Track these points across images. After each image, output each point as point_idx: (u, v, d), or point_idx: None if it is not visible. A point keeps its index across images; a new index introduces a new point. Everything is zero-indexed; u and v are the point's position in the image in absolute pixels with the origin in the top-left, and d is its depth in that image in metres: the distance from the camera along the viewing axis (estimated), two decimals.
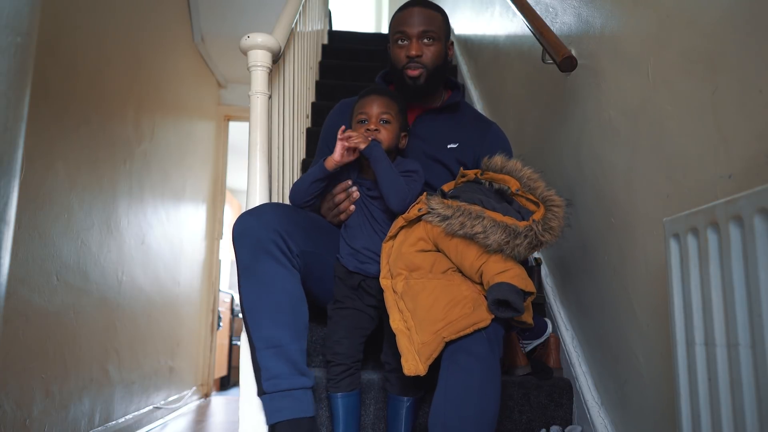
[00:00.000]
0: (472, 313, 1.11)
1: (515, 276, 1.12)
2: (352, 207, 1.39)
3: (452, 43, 1.60)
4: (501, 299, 1.09)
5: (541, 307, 1.77)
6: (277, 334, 1.22)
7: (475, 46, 3.15)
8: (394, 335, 1.16)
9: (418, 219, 1.24)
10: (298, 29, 2.08)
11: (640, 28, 1.30)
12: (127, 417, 2.76)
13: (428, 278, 1.18)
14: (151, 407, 3.11)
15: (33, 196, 1.95)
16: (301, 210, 1.38)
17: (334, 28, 4.44)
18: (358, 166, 1.42)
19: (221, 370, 5.03)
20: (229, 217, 5.54)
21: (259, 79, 1.49)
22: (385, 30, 5.82)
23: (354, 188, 1.40)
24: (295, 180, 1.44)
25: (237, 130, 4.80)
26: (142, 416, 2.97)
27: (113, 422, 2.60)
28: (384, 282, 1.23)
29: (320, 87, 3.03)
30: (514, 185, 1.26)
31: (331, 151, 1.36)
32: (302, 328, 1.26)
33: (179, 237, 3.64)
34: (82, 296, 2.31)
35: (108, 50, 2.54)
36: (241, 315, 1.30)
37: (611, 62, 1.43)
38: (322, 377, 1.39)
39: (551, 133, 1.83)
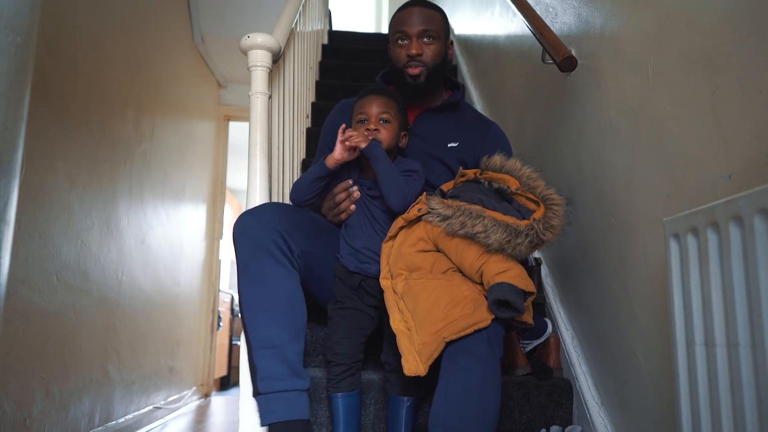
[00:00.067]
0: (473, 313, 1.11)
1: (515, 276, 1.12)
2: (353, 207, 1.39)
3: (452, 43, 1.61)
4: (501, 299, 1.09)
5: (541, 307, 1.77)
6: (274, 334, 1.21)
7: (475, 46, 3.15)
8: (394, 335, 1.15)
9: (418, 219, 1.24)
10: (298, 29, 2.08)
11: (640, 28, 1.30)
12: (127, 417, 2.76)
13: (428, 278, 1.18)
14: (151, 407, 3.11)
15: (33, 196, 1.95)
16: (301, 210, 1.38)
17: (334, 28, 4.44)
18: (359, 165, 1.42)
19: (221, 370, 5.03)
20: (229, 217, 5.54)
21: (259, 79, 1.49)
22: (385, 30, 5.82)
23: (355, 188, 1.39)
24: (295, 180, 1.44)
25: (237, 130, 4.80)
26: (142, 416, 2.97)
27: (113, 422, 2.60)
28: (384, 282, 1.22)
29: (320, 87, 3.03)
30: (513, 184, 1.26)
31: (331, 150, 1.36)
32: (300, 329, 1.25)
33: (179, 237, 3.64)
34: (82, 296, 2.31)
35: (108, 50, 2.54)
36: (240, 315, 1.29)
37: (611, 62, 1.43)
38: (322, 377, 1.39)
39: (551, 133, 1.83)
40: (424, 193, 1.28)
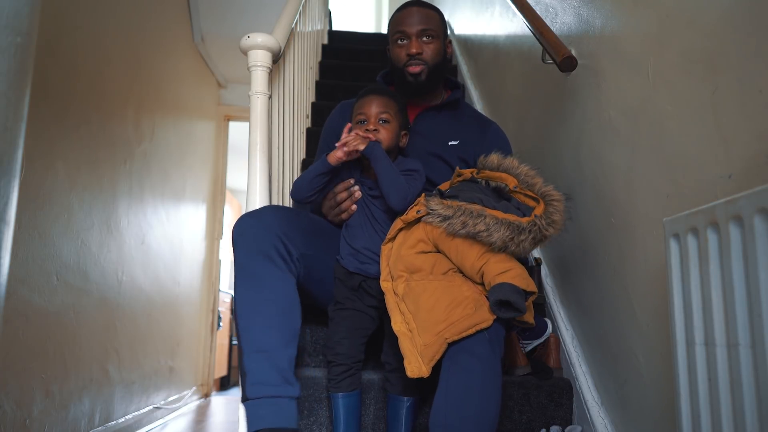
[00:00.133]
0: (474, 314, 1.10)
1: (516, 276, 1.11)
2: (354, 206, 1.38)
3: (450, 41, 1.63)
4: (503, 300, 1.09)
5: (541, 307, 1.77)
6: (267, 338, 1.19)
7: (475, 46, 3.15)
8: (394, 335, 1.15)
9: (417, 221, 1.24)
10: (298, 29, 2.08)
11: (640, 28, 1.30)
12: (127, 417, 2.76)
13: (429, 280, 1.17)
14: (151, 407, 3.11)
15: (33, 196, 1.95)
16: (302, 213, 1.38)
17: (334, 28, 4.44)
18: (360, 166, 1.42)
19: (221, 370, 5.03)
20: (229, 217, 5.54)
21: (259, 79, 1.49)
22: (385, 30, 5.82)
23: (356, 187, 1.39)
24: (295, 179, 1.44)
25: (237, 130, 4.80)
26: (142, 416, 2.97)
27: (113, 422, 2.60)
28: (385, 285, 1.22)
29: (320, 87, 3.03)
30: (511, 182, 1.26)
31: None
32: (294, 335, 1.23)
33: (179, 237, 3.64)
34: (82, 296, 2.31)
35: (108, 50, 2.54)
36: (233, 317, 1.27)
37: (611, 62, 1.43)
38: (322, 377, 1.39)
39: (551, 133, 1.83)
40: (423, 195, 1.27)
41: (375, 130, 1.36)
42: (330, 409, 1.31)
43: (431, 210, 1.20)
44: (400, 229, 1.25)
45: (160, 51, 3.22)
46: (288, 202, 1.77)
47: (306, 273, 1.31)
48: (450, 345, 1.11)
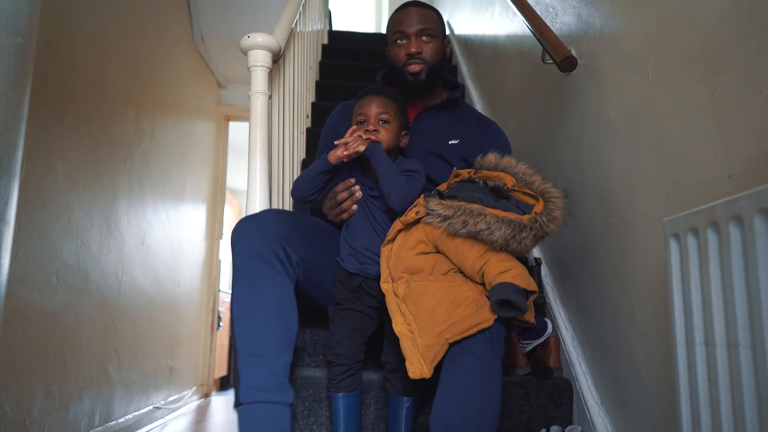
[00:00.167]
0: (475, 314, 1.10)
1: (517, 275, 1.11)
2: (355, 206, 1.38)
3: (449, 41, 1.64)
4: (504, 299, 1.09)
5: (541, 307, 1.77)
6: (262, 342, 1.18)
7: (475, 46, 3.15)
8: (394, 335, 1.15)
9: (416, 222, 1.23)
10: (298, 29, 2.08)
11: (640, 28, 1.30)
12: (127, 417, 2.76)
13: (429, 280, 1.17)
14: (151, 407, 3.11)
15: (33, 196, 1.95)
16: (301, 216, 1.38)
17: (334, 28, 4.44)
18: (361, 166, 1.42)
19: (221, 370, 5.03)
20: (229, 217, 5.54)
21: (259, 79, 1.49)
22: (385, 30, 5.82)
23: (357, 187, 1.39)
24: (295, 179, 1.44)
25: (237, 130, 4.80)
26: (142, 416, 2.97)
27: (113, 422, 2.60)
28: (385, 286, 1.21)
29: (320, 87, 3.03)
30: (509, 181, 1.26)
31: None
32: (289, 340, 1.22)
33: (179, 237, 3.64)
34: (82, 296, 2.31)
35: (108, 50, 2.54)
36: (230, 321, 1.26)
37: (611, 62, 1.43)
38: (323, 377, 1.39)
39: (551, 133, 1.83)
40: (422, 196, 1.27)
41: (375, 130, 1.36)
42: (330, 409, 1.31)
43: (431, 210, 1.19)
44: (400, 231, 1.25)
45: (160, 51, 3.22)
46: (288, 202, 1.77)
47: (306, 276, 1.31)
48: (451, 345, 1.11)
